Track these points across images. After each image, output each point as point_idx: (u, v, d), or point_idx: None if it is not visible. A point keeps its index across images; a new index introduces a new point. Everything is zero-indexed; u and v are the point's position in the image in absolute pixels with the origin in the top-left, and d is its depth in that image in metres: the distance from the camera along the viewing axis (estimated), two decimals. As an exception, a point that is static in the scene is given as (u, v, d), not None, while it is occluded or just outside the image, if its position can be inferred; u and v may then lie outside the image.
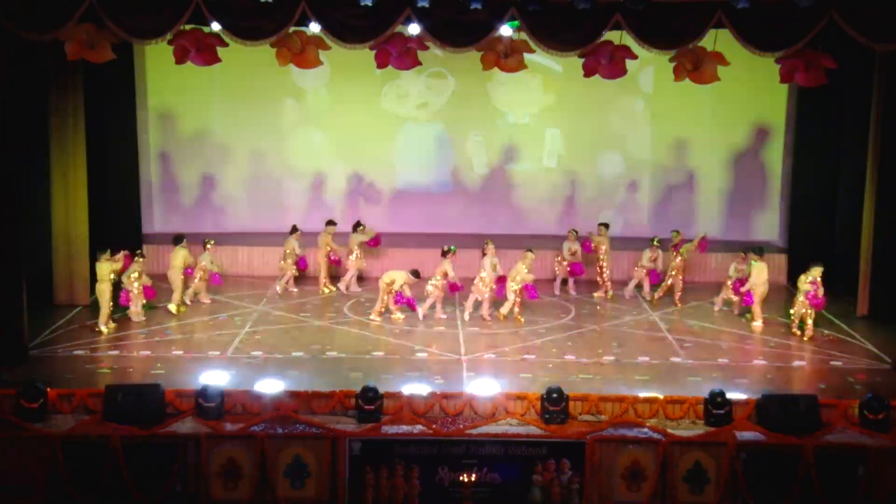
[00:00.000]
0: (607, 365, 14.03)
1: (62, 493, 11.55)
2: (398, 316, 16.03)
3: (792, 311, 15.56)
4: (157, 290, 16.25)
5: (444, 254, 16.16)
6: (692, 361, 14.22)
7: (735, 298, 16.48)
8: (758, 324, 15.83)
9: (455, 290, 16.22)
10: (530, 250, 16.13)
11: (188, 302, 16.62)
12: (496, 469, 11.67)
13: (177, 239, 16.71)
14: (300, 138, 20.20)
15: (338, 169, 20.35)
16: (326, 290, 17.76)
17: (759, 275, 15.76)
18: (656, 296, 17.21)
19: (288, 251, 17.63)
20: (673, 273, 17.15)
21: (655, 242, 17.49)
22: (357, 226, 17.85)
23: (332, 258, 17.82)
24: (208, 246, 16.89)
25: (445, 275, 16.03)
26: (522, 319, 15.97)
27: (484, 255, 16.23)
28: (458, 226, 20.09)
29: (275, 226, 19.21)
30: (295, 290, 17.77)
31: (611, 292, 17.57)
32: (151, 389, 12.27)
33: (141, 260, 15.79)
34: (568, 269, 17.79)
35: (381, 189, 20.44)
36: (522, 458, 11.68)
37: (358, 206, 20.17)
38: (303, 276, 18.06)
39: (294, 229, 17.80)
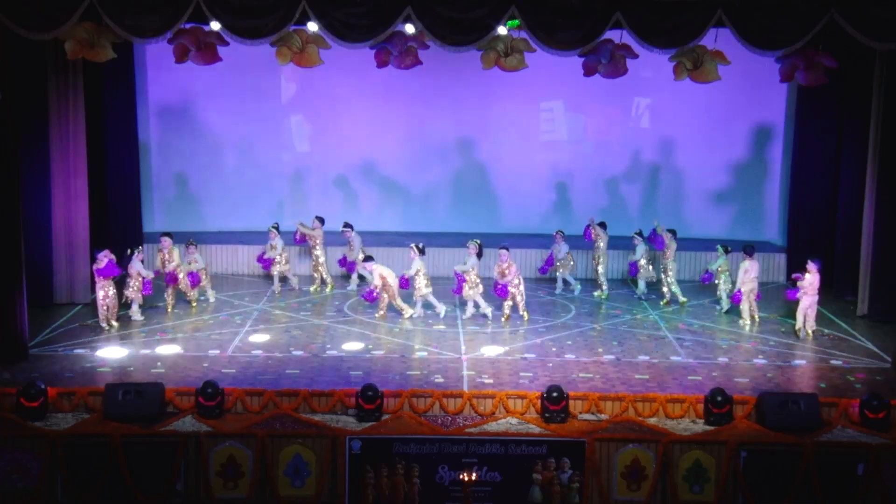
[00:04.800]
0: (607, 364, 14.04)
1: (62, 492, 11.54)
2: (407, 314, 16.06)
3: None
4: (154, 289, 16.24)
5: (422, 251, 16.24)
6: (692, 361, 14.23)
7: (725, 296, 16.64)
8: (744, 321, 15.85)
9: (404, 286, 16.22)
10: (505, 248, 16.14)
11: (193, 304, 16.63)
12: (496, 468, 11.66)
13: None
14: (301, 137, 20.21)
15: (339, 168, 20.38)
16: (328, 289, 17.78)
17: (747, 273, 15.78)
18: (662, 302, 17.23)
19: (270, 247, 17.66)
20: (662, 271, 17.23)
21: (634, 235, 17.51)
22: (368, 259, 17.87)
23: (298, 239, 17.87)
24: (190, 247, 16.86)
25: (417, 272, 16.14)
26: (527, 316, 15.99)
27: (470, 255, 16.23)
28: (453, 225, 20.14)
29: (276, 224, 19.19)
30: (296, 287, 17.75)
31: (606, 291, 17.57)
32: (152, 388, 12.27)
33: (138, 254, 15.83)
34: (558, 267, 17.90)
35: (379, 188, 20.47)
36: (522, 457, 11.67)
37: (357, 206, 20.23)
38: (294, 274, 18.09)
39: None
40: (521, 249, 18.52)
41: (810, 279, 15.06)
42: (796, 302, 15.32)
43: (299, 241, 17.99)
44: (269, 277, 18.00)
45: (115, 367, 13.56)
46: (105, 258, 15.10)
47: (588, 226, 17.73)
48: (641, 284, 17.57)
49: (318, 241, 17.82)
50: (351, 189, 20.48)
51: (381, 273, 16.02)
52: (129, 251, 16.06)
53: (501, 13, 13.43)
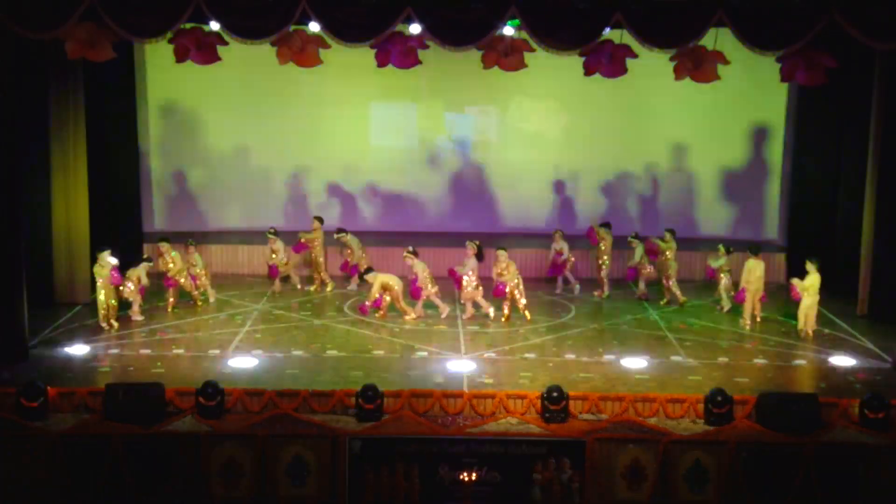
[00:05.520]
0: (607, 364, 14.03)
1: (62, 492, 11.53)
2: (409, 317, 16.06)
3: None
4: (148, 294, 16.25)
5: (414, 254, 16.26)
6: (692, 361, 14.23)
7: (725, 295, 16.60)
8: (745, 321, 15.85)
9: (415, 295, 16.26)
10: (503, 248, 16.13)
11: (199, 302, 16.63)
12: (496, 468, 11.66)
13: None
14: (302, 137, 20.21)
15: (338, 168, 20.38)
16: (328, 289, 17.78)
17: (751, 272, 15.78)
18: (661, 302, 17.22)
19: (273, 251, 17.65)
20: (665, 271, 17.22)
21: (630, 238, 17.50)
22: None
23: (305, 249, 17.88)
24: (190, 248, 16.88)
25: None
26: (529, 316, 15.97)
27: (469, 256, 16.23)
28: (452, 225, 20.14)
29: (276, 224, 19.20)
30: (299, 286, 17.76)
31: (608, 291, 17.59)
32: (152, 388, 12.27)
33: (147, 265, 15.88)
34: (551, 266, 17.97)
35: (378, 188, 20.48)
36: (522, 457, 11.67)
37: (356, 206, 20.25)
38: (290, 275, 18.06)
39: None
40: (520, 249, 18.53)
41: (812, 279, 15.06)
42: (798, 301, 15.33)
43: (298, 249, 17.94)
44: (269, 277, 18.00)
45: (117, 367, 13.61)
46: (109, 263, 15.12)
47: (591, 227, 17.70)
48: (641, 284, 17.56)
49: (317, 243, 17.81)
50: (350, 189, 20.46)
51: (382, 282, 16.03)
52: (144, 257, 16.24)
53: (501, 13, 13.43)
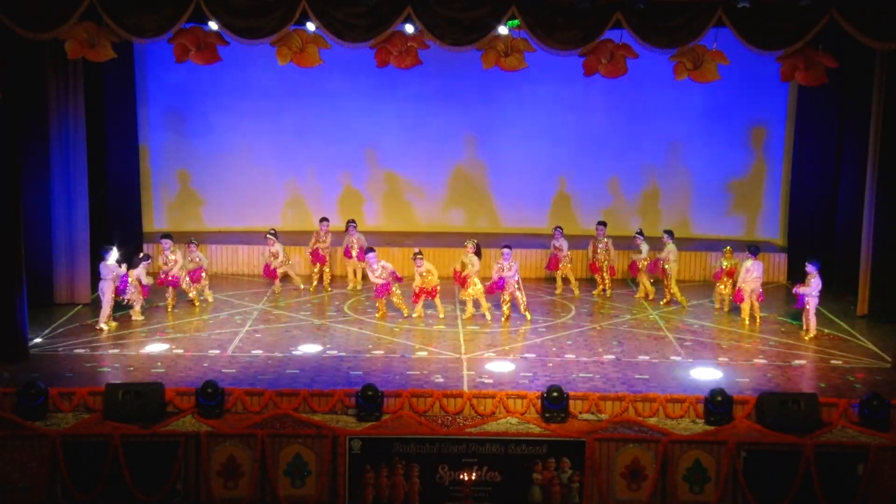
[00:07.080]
0: (607, 364, 14.04)
1: (62, 492, 11.55)
2: (407, 314, 16.05)
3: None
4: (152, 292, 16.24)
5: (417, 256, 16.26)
6: (692, 360, 14.23)
7: (725, 294, 16.58)
8: (745, 321, 15.86)
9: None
10: (507, 247, 16.12)
11: (196, 302, 16.61)
12: (496, 468, 11.66)
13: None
14: (302, 136, 20.21)
15: (339, 168, 20.39)
16: (323, 287, 17.80)
17: (749, 273, 15.78)
18: (661, 302, 17.21)
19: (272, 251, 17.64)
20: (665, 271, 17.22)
21: (636, 234, 17.51)
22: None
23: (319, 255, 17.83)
24: (191, 245, 16.86)
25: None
26: (529, 316, 15.97)
27: (469, 254, 16.23)
28: (452, 224, 20.13)
29: (276, 224, 19.23)
30: (300, 287, 17.75)
31: (610, 290, 17.60)
32: (152, 388, 12.27)
33: (145, 263, 15.87)
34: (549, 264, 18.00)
35: (379, 187, 20.50)
36: (522, 457, 11.68)
37: (357, 205, 20.26)
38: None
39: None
40: (520, 249, 18.53)
41: (815, 283, 15.05)
42: (801, 308, 15.34)
43: (320, 258, 17.84)
44: (265, 277, 17.99)
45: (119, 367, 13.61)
46: (122, 266, 15.24)
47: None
48: (641, 284, 17.55)
49: (326, 243, 17.81)
50: (350, 188, 20.47)
51: (383, 264, 16.02)
52: (140, 255, 16.18)
53: (501, 13, 13.43)
